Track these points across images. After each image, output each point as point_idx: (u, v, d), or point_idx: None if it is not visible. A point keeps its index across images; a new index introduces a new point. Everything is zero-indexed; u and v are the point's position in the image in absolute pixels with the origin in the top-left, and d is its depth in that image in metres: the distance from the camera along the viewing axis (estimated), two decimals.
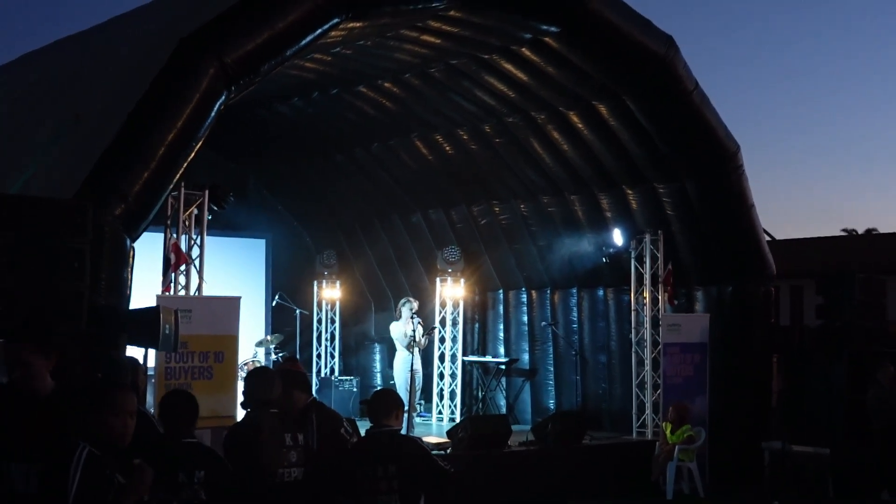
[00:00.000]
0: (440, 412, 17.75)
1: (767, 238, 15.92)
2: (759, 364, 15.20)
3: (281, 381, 7.02)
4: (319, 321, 19.41)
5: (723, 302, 15.44)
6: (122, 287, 9.41)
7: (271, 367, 15.32)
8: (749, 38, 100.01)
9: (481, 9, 12.29)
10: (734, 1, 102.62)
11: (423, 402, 17.66)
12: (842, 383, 14.45)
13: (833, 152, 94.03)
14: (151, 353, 10.19)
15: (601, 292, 16.71)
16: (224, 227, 16.38)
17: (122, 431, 4.83)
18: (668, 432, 13.87)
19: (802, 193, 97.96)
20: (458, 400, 17.79)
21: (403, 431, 7.14)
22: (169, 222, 12.46)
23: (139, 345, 9.29)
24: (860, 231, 54.03)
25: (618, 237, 15.56)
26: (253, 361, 16.44)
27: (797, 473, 14.06)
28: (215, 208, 12.99)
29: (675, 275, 15.25)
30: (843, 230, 55.05)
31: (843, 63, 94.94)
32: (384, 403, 6.81)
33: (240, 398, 15.22)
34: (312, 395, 7.42)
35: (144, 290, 11.30)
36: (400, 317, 16.41)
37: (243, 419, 6.79)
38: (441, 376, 17.87)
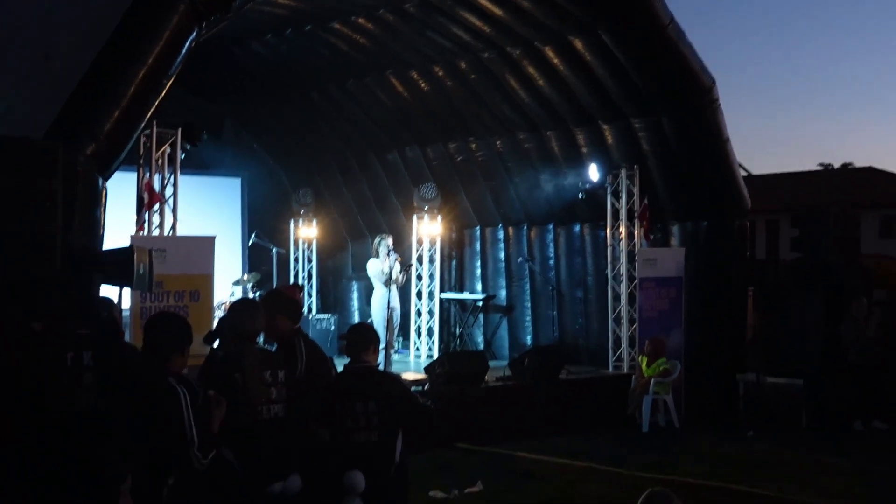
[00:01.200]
0: (418, 349, 17.83)
1: (744, 173, 15.96)
2: (734, 298, 15.32)
3: (262, 302, 6.92)
4: (296, 260, 19.39)
5: (698, 236, 15.52)
6: (95, 227, 9.34)
7: None
8: None
9: None
10: None
11: (400, 338, 17.72)
12: (817, 317, 14.60)
13: (810, 87, 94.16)
14: (126, 292, 10.14)
15: (577, 228, 16.74)
16: (198, 166, 16.29)
17: None
18: (643, 366, 14.00)
19: (780, 128, 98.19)
20: (435, 337, 17.86)
21: (381, 368, 7.11)
22: (141, 161, 12.37)
23: (114, 284, 9.23)
24: (836, 165, 54.35)
25: (594, 173, 15.56)
26: (230, 300, 16.42)
27: (772, 406, 14.24)
28: (189, 147, 12.90)
29: (651, 210, 15.29)
30: (820, 164, 55.41)
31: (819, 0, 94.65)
32: (362, 338, 6.78)
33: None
34: (298, 324, 7.26)
35: (118, 230, 11.23)
36: (377, 254, 16.37)
37: (220, 353, 6.65)
38: (419, 313, 17.92)
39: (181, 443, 5.52)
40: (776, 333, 14.94)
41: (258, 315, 6.66)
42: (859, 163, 51.35)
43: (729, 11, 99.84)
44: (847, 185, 41.03)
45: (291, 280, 19.01)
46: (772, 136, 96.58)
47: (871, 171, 44.43)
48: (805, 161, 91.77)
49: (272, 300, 7.33)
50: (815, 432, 13.78)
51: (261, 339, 7.85)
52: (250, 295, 16.54)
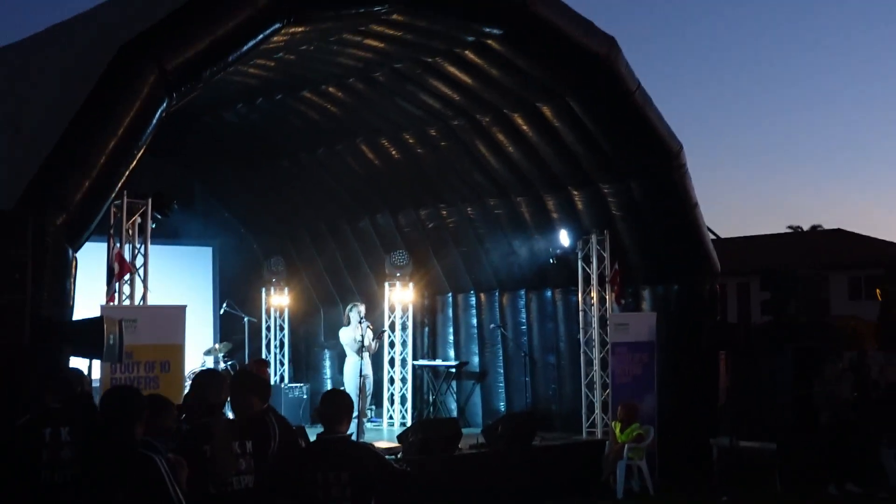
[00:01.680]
0: (391, 417, 17.72)
1: (712, 236, 16.06)
2: (706, 361, 15.33)
3: (232, 386, 6.91)
4: (268, 328, 19.29)
5: (669, 300, 15.58)
6: (65, 298, 9.29)
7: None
8: (691, 36, 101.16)
9: (424, 12, 12.29)
10: (675, 1, 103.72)
11: (373, 406, 17.63)
12: (788, 378, 14.62)
13: (778, 150, 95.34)
14: (96, 363, 10.07)
15: (549, 293, 16.77)
16: (169, 235, 16.24)
17: None
18: (617, 431, 13.94)
19: (748, 191, 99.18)
20: (408, 404, 17.77)
21: (354, 437, 7.07)
22: (112, 231, 12.34)
23: (83, 356, 9.19)
24: (805, 228, 54.84)
25: (564, 238, 15.64)
26: (201, 370, 16.31)
27: (745, 469, 14.21)
28: (159, 216, 12.88)
29: (622, 274, 15.34)
30: (789, 227, 55.88)
31: (785, 61, 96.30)
32: (336, 407, 6.72)
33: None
34: (267, 402, 7.26)
35: (88, 300, 11.17)
36: (349, 322, 16.35)
37: (186, 427, 6.63)
38: (391, 381, 17.84)
39: None
40: (749, 396, 14.97)
41: (224, 386, 6.69)
42: (828, 225, 51.84)
43: (695, 74, 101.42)
44: (816, 246, 41.39)
45: (263, 352, 18.85)
46: (741, 198, 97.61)
47: (840, 233, 44.85)
48: (774, 224, 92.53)
49: (243, 381, 7.29)
50: (789, 496, 13.74)
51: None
52: (221, 365, 16.46)
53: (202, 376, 7.13)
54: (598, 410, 15.39)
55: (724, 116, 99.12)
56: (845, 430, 13.96)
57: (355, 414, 8.94)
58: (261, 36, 10.52)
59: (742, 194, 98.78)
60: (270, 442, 6.69)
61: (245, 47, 10.47)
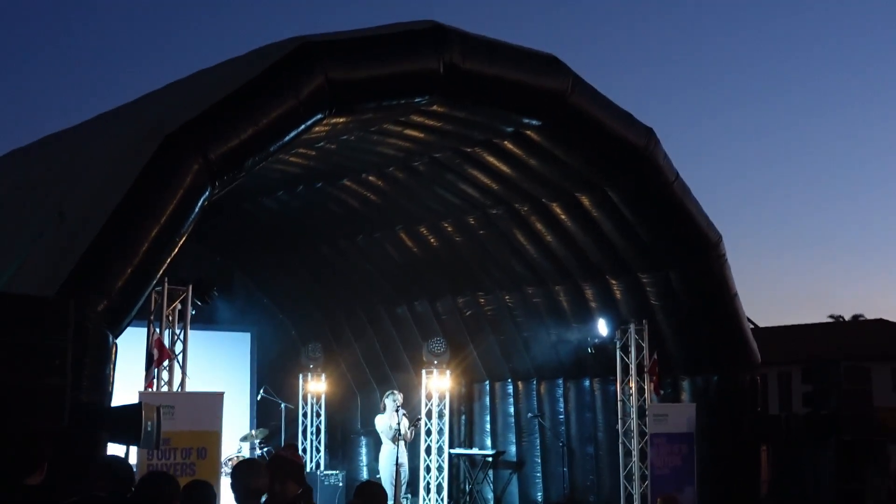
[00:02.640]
0: None
1: (751, 325, 15.94)
2: (747, 453, 15.11)
3: (269, 471, 6.93)
4: (305, 415, 19.25)
5: (709, 391, 15.42)
6: (104, 384, 9.33)
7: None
8: (731, 124, 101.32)
9: (464, 104, 12.43)
10: (713, 88, 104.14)
11: (409, 495, 17.47)
12: (831, 471, 14.38)
13: (819, 238, 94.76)
14: (133, 449, 10.08)
15: (587, 383, 16.66)
16: (208, 320, 16.34)
17: None
18: None
19: (789, 280, 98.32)
20: (444, 493, 17.61)
21: None
22: (152, 317, 12.43)
23: (121, 442, 9.19)
24: (847, 317, 54.26)
25: (603, 327, 15.58)
26: (237, 456, 16.27)
27: None
28: (199, 303, 12.97)
29: (661, 364, 15.24)
30: (830, 316, 55.31)
31: (824, 150, 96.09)
32: (370, 497, 6.75)
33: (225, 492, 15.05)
34: (305, 485, 7.32)
35: (127, 385, 11.22)
36: (385, 409, 16.29)
37: None
38: (427, 469, 17.71)
39: None
40: (791, 489, 14.71)
41: (262, 472, 6.72)
42: (870, 315, 51.33)
43: (736, 163, 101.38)
44: (858, 337, 40.93)
45: (299, 439, 18.79)
46: (781, 287, 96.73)
47: (882, 323, 44.35)
48: (816, 313, 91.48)
49: (280, 465, 7.32)
50: None
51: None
52: (257, 451, 16.41)
53: (243, 466, 7.16)
54: (637, 501, 15.17)
55: (764, 205, 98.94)
56: None
57: (391, 502, 8.87)
58: (302, 126, 10.67)
59: (782, 283, 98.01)
60: None
61: (287, 137, 10.62)
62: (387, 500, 6.84)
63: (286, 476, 6.97)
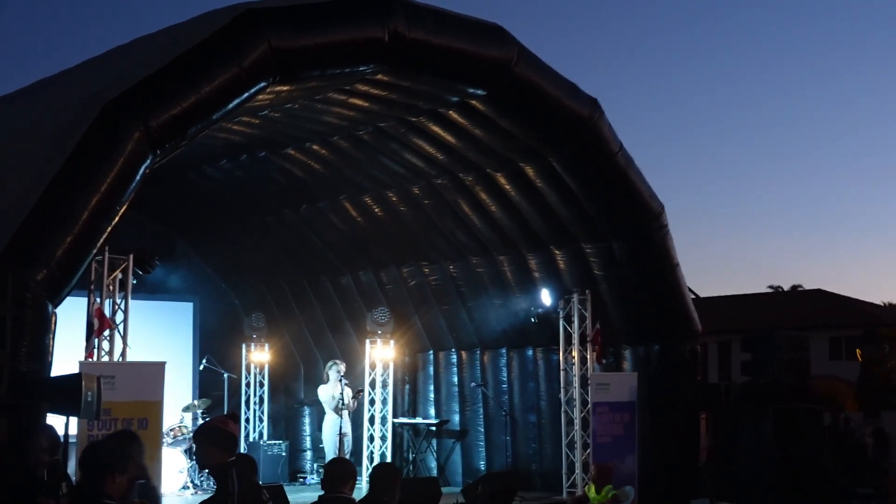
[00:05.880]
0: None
1: (692, 296, 16.11)
2: (687, 422, 15.32)
3: (193, 436, 6.92)
4: (248, 385, 19.18)
5: (650, 360, 15.59)
6: (43, 353, 9.22)
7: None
8: (673, 95, 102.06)
9: (408, 73, 12.38)
10: (654, 57, 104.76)
11: None
12: (769, 439, 14.61)
13: (759, 210, 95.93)
14: (73, 420, 9.98)
15: (530, 352, 16.77)
16: (150, 290, 16.21)
17: None
18: (592, 493, 13.83)
19: (729, 251, 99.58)
20: None
21: None
22: (92, 287, 12.30)
23: (60, 413, 9.08)
24: (786, 288, 55.11)
25: (546, 297, 15.67)
26: (179, 427, 16.21)
27: None
28: (140, 273, 12.85)
29: (604, 334, 15.37)
30: (770, 287, 56.15)
31: (765, 120, 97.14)
32: (345, 471, 7.10)
33: (179, 462, 14.99)
34: (233, 455, 7.19)
35: (67, 355, 11.09)
36: (328, 380, 16.29)
37: None
38: (371, 439, 17.74)
39: None
40: (730, 457, 14.93)
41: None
42: (809, 285, 52.21)
43: (677, 134, 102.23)
44: (797, 307, 41.61)
45: (242, 409, 18.73)
46: (722, 258, 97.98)
47: (820, 294, 45.11)
48: (755, 283, 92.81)
49: (202, 433, 7.27)
50: None
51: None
52: (199, 421, 16.35)
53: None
54: (578, 470, 15.34)
55: (706, 176, 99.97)
56: (823, 489, 13.95)
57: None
58: (246, 94, 10.55)
59: (723, 254, 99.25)
60: (228, 497, 6.63)
61: (230, 105, 10.49)
62: (356, 473, 7.23)
63: (210, 443, 6.89)
